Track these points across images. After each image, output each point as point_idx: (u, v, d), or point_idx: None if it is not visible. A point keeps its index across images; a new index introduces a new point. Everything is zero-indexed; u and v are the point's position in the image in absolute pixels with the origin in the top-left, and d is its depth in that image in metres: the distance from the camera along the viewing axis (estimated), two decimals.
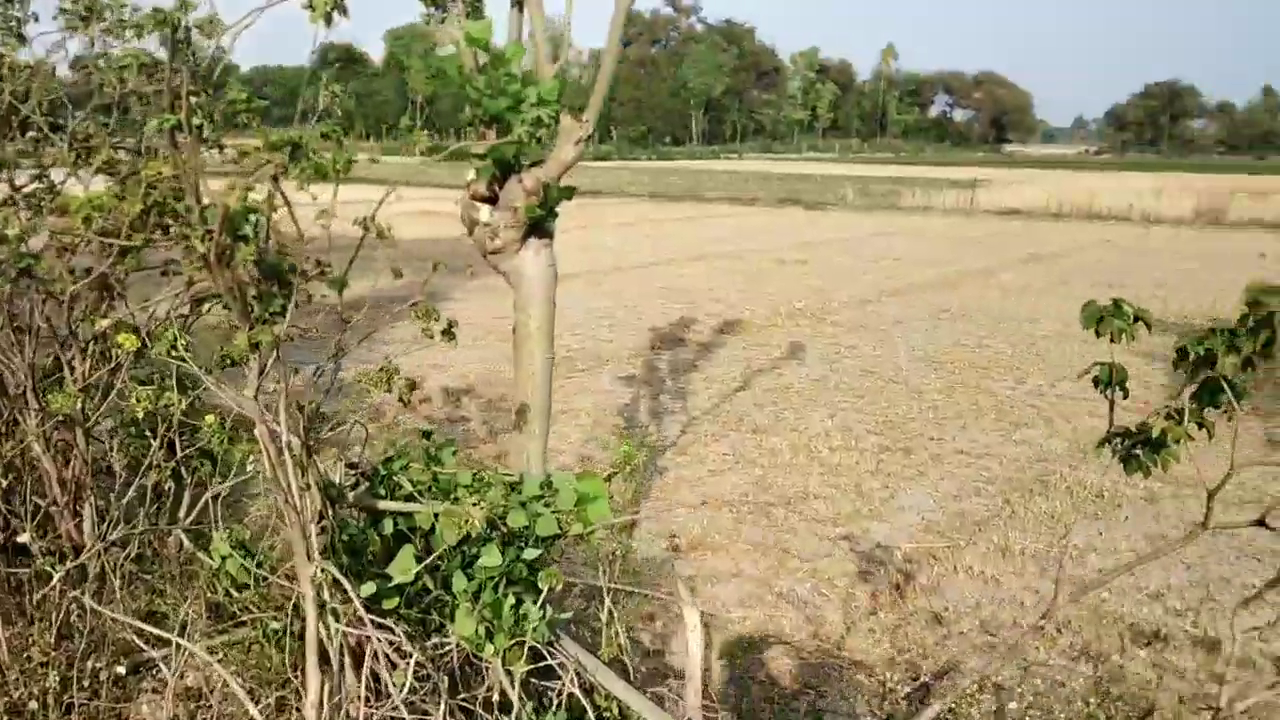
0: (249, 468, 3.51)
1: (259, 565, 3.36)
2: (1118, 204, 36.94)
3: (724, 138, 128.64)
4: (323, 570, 2.77)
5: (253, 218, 2.87)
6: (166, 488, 4.55)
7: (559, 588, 3.20)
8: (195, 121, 2.71)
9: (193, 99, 2.69)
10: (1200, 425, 2.48)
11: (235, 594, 3.48)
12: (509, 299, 4.13)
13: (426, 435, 3.53)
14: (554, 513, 3.41)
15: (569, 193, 3.54)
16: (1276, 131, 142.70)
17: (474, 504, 3.20)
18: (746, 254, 24.22)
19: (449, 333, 3.64)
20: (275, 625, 3.52)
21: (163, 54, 3.04)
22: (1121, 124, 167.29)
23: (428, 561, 2.98)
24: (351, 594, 2.77)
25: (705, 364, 12.56)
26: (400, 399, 3.54)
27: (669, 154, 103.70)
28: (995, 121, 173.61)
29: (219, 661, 3.43)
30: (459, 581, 3.05)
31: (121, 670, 4.08)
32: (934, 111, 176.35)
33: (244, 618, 3.67)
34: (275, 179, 2.46)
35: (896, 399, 10.93)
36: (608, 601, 3.22)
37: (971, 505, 7.74)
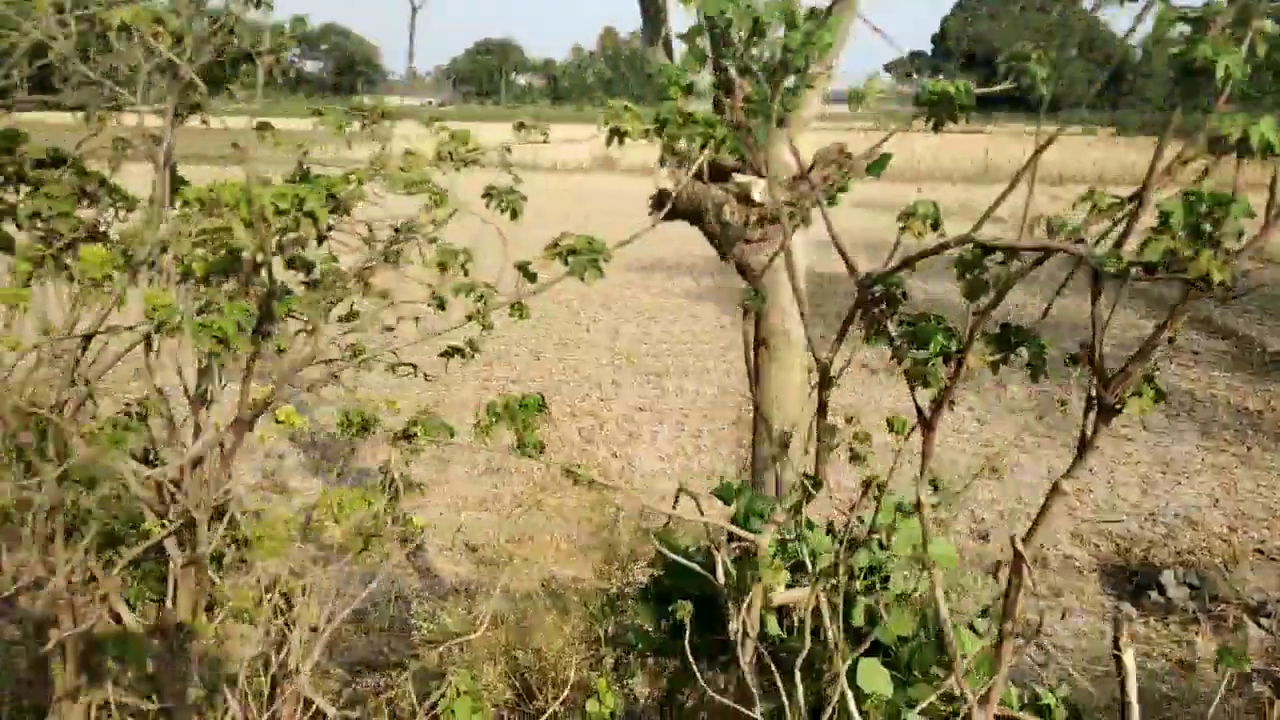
0: None
1: None
2: (521, 153, 38.94)
3: None
4: None
5: None
6: None
7: None
8: None
9: None
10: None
11: None
12: None
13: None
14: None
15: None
16: (589, 85, 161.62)
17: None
18: None
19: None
20: None
21: None
22: (461, 78, 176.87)
23: None
24: None
25: None
26: None
27: None
28: (343, 72, 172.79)
29: None
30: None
31: None
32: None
33: None
34: None
35: None
36: None
37: None
